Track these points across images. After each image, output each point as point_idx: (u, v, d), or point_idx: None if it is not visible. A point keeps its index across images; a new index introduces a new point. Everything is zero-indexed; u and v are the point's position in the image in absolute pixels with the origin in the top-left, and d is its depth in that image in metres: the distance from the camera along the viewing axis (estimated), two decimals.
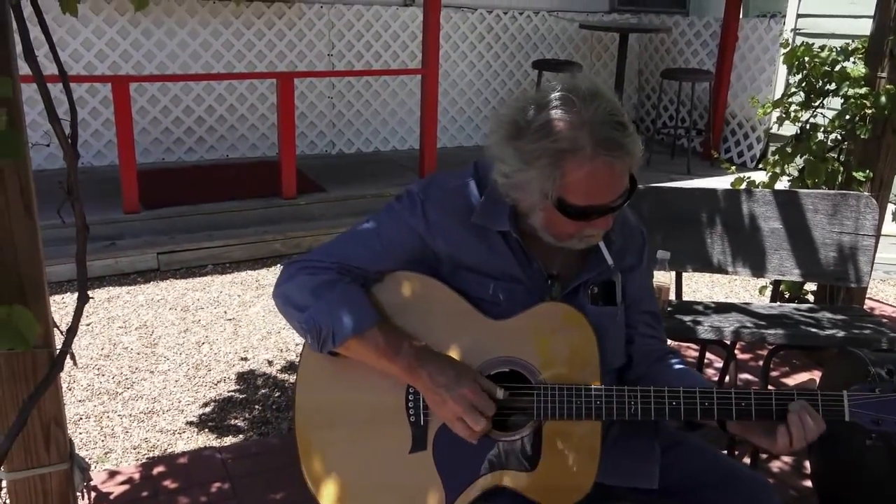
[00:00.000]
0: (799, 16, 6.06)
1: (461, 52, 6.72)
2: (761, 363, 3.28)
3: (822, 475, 2.42)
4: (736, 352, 2.76)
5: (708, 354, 3.17)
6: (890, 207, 3.31)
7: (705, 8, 7.40)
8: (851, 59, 3.19)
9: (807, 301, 3.41)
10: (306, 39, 6.09)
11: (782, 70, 6.15)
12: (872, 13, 3.12)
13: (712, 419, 1.36)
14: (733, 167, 4.02)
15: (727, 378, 2.91)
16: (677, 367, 1.53)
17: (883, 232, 3.10)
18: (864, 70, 3.02)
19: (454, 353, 1.40)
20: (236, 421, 2.87)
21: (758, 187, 3.34)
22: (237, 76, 5.79)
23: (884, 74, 2.98)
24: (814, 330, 2.60)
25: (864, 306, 3.44)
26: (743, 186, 3.35)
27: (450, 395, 1.33)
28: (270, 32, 5.95)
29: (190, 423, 2.83)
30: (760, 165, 3.75)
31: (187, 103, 5.78)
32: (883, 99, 2.90)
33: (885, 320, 2.85)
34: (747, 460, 2.60)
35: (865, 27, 3.20)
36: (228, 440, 2.73)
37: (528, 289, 1.44)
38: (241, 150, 6.09)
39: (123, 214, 4.56)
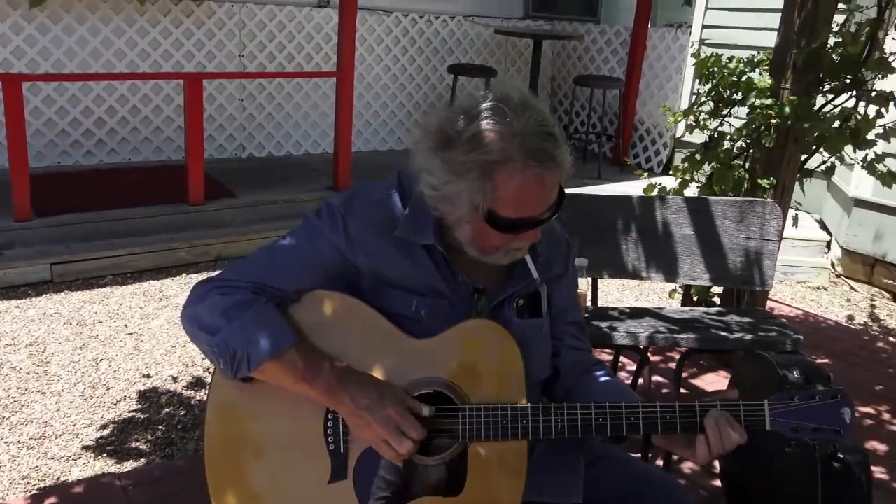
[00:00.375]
0: (704, 27, 6.25)
1: (376, 55, 6.64)
2: (671, 364, 3.36)
3: (731, 475, 2.48)
4: (648, 354, 2.81)
5: (621, 358, 3.21)
6: (791, 213, 3.43)
7: (615, 17, 7.57)
8: (757, 70, 3.28)
9: (714, 304, 3.50)
10: (216, 39, 5.88)
11: (688, 79, 6.35)
12: (775, 26, 3.23)
13: (638, 434, 1.34)
14: (645, 173, 4.10)
15: (640, 381, 2.95)
16: (603, 379, 1.52)
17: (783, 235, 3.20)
18: (769, 81, 3.12)
19: (375, 376, 1.34)
20: (138, 443, 2.70)
21: (668, 193, 3.41)
22: (141, 76, 5.54)
23: (787, 86, 3.08)
24: (723, 333, 2.67)
25: (766, 307, 3.56)
26: (655, 192, 3.41)
27: (374, 417, 1.26)
28: (178, 31, 5.71)
29: (86, 448, 2.64)
30: (670, 172, 3.83)
31: (86, 104, 5.48)
32: (786, 109, 2.99)
33: (784, 320, 2.95)
34: (660, 462, 2.63)
35: (767, 39, 3.31)
36: (129, 465, 2.56)
37: (453, 304, 1.39)
38: (145, 154, 5.82)
39: (14, 222, 4.26)
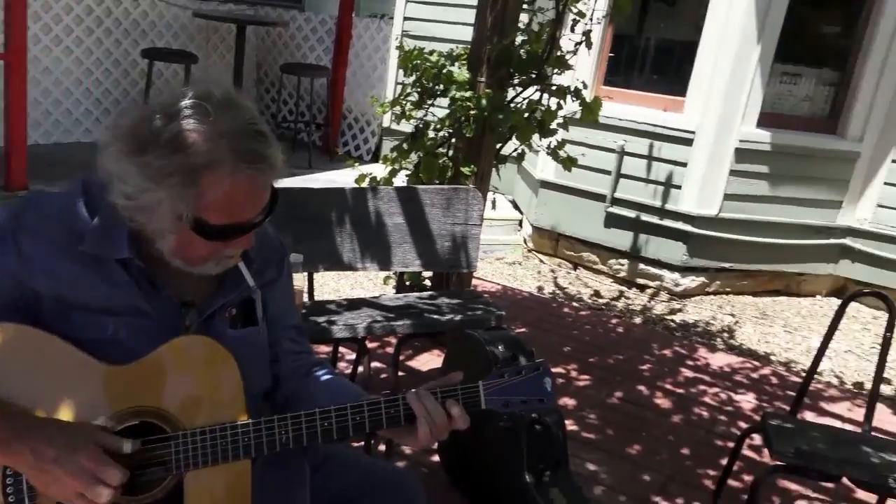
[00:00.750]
0: (406, 18, 6.49)
1: (55, 35, 5.88)
2: (389, 349, 3.46)
3: (447, 450, 2.62)
4: (367, 343, 2.86)
5: (341, 348, 3.24)
6: (489, 196, 3.71)
7: (320, 5, 7.56)
8: (457, 63, 3.47)
9: (425, 287, 3.67)
10: None
11: (393, 69, 6.56)
12: (471, 21, 3.43)
13: (364, 432, 1.33)
14: (356, 163, 4.16)
15: (360, 369, 3.00)
16: (324, 378, 1.48)
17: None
18: (467, 75, 3.31)
19: (66, 416, 1.16)
20: None
21: (379, 182, 3.49)
22: None
23: (483, 79, 3.30)
24: (436, 316, 2.81)
25: (472, 286, 3.83)
26: (366, 182, 3.47)
27: (64, 469, 1.09)
28: None
29: None
30: (380, 160, 3.92)
31: None
32: (483, 102, 3.21)
33: (488, 297, 3.18)
34: (383, 448, 2.70)
35: (464, 33, 3.50)
36: None
37: (158, 321, 1.26)
38: None
39: None
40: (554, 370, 3.54)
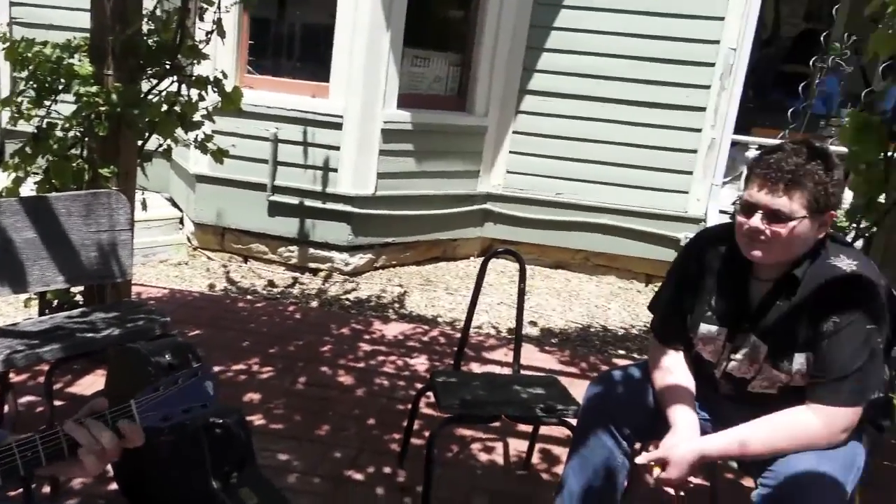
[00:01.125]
0: (13, 3, 5.71)
1: None
2: (41, 379, 3.08)
3: (124, 474, 2.44)
4: (12, 377, 2.51)
5: None
6: (138, 196, 3.45)
7: None
8: (77, 55, 3.14)
9: (77, 304, 3.32)
10: None
11: (4, 62, 5.75)
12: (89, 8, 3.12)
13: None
14: None
15: (7, 409, 2.63)
16: None
17: (135, 219, 3.21)
18: (91, 68, 3.01)
19: None
20: None
21: (1, 193, 3.06)
22: None
23: (111, 72, 3.03)
24: (90, 335, 2.58)
25: (133, 294, 3.56)
26: None
27: None
28: None
29: None
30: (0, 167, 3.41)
31: None
32: (113, 97, 2.95)
33: (152, 302, 2.99)
34: (47, 489, 2.42)
35: (87, 19, 3.17)
36: None
37: None
38: None
39: None
40: (235, 366, 3.49)
